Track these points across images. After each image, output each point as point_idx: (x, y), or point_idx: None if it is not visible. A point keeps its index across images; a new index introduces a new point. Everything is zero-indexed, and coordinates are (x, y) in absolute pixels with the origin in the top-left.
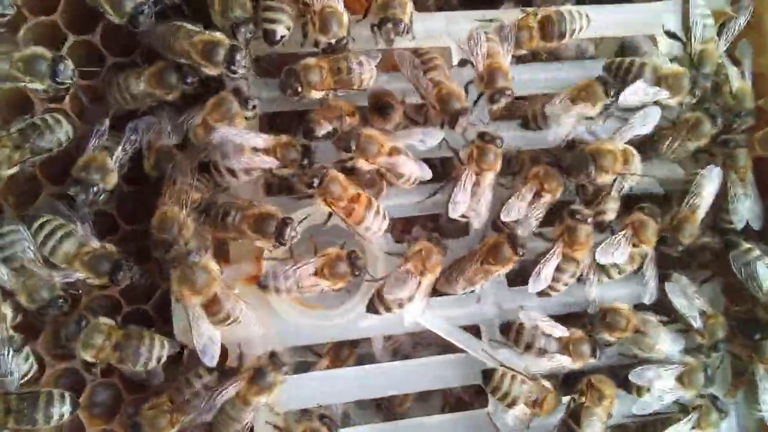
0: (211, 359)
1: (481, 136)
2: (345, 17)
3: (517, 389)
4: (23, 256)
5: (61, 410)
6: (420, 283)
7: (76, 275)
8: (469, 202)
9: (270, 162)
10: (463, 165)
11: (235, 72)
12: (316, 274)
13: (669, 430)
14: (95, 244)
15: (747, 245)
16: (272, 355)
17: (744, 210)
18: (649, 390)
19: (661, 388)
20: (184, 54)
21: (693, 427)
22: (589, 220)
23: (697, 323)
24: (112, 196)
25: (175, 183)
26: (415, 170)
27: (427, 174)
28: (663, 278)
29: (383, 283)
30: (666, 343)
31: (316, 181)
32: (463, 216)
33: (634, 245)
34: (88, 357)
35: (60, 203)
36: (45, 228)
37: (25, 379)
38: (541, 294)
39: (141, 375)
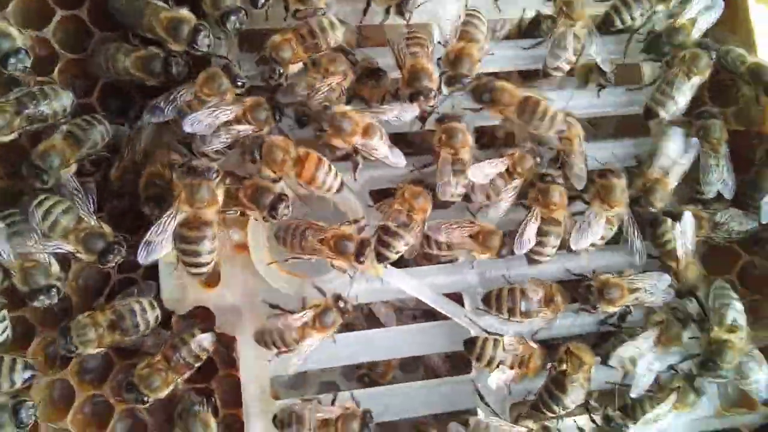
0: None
1: (440, 119)
2: None
3: (501, 353)
4: (30, 236)
5: (23, 376)
6: (412, 219)
7: (67, 248)
8: (457, 180)
9: (247, 128)
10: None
11: (197, 50)
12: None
13: (650, 413)
14: (92, 221)
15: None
16: (338, 298)
17: (714, 180)
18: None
19: (644, 363)
20: (151, 30)
21: (669, 409)
22: (559, 180)
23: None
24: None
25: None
26: (389, 155)
27: (401, 162)
28: None
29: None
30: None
31: (256, 153)
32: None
33: (606, 211)
34: (93, 350)
35: (69, 178)
36: (46, 203)
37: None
38: (532, 261)
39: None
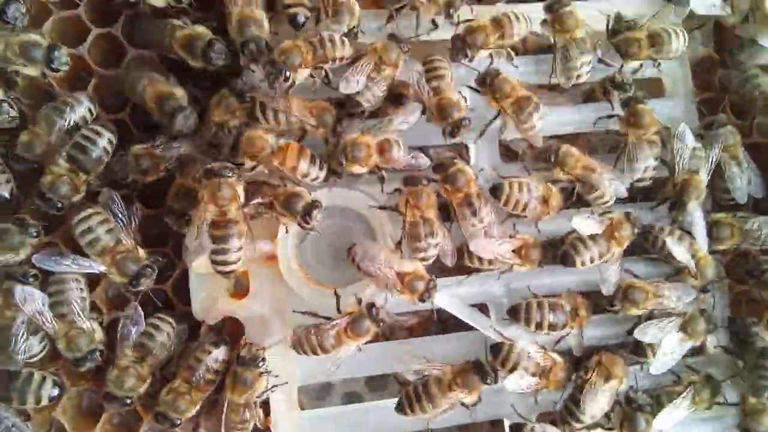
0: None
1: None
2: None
3: (525, 361)
4: (71, 307)
5: (50, 393)
6: (424, 219)
7: (100, 267)
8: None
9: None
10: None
11: (212, 64)
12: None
13: (663, 411)
14: (129, 243)
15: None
16: (371, 307)
17: (743, 185)
18: (657, 349)
19: (669, 343)
20: (171, 50)
21: (689, 404)
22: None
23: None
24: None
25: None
26: (410, 162)
27: (424, 163)
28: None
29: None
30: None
31: (232, 149)
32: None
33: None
34: (142, 390)
35: (114, 196)
36: (90, 219)
37: (33, 359)
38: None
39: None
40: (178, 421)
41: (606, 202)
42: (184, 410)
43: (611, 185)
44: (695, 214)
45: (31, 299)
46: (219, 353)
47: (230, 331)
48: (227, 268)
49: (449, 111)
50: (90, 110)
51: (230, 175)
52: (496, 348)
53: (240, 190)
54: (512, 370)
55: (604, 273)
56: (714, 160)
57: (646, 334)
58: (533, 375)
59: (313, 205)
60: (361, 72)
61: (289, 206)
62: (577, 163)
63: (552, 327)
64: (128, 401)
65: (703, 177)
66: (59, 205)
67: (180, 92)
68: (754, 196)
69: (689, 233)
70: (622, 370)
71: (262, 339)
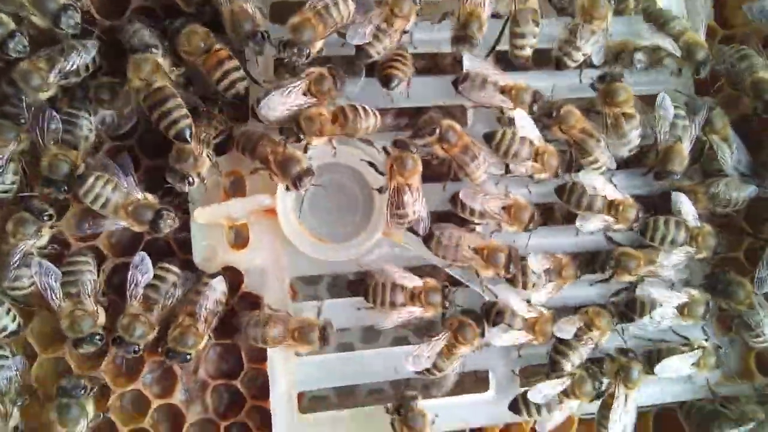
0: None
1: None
2: None
3: (510, 316)
4: (81, 288)
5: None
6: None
7: (121, 223)
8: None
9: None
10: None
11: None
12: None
13: (672, 357)
14: (139, 195)
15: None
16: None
17: (734, 163)
18: (650, 313)
19: (662, 312)
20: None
21: (693, 364)
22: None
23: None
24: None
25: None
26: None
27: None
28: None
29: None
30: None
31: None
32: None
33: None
34: (151, 337)
35: (106, 161)
36: (95, 185)
37: (17, 292)
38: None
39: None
40: (189, 356)
41: (599, 168)
42: (193, 344)
43: (606, 153)
44: (678, 199)
45: (46, 273)
46: (217, 282)
47: (230, 281)
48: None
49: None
50: (94, 59)
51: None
52: (486, 306)
53: (166, 65)
54: (495, 324)
55: None
56: (697, 127)
57: (645, 291)
58: (519, 329)
59: (307, 171)
60: (369, 23)
61: (284, 168)
62: (577, 124)
63: (534, 285)
64: (138, 348)
65: (686, 145)
66: (65, 187)
67: None
68: (742, 172)
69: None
70: (605, 324)
71: (261, 289)
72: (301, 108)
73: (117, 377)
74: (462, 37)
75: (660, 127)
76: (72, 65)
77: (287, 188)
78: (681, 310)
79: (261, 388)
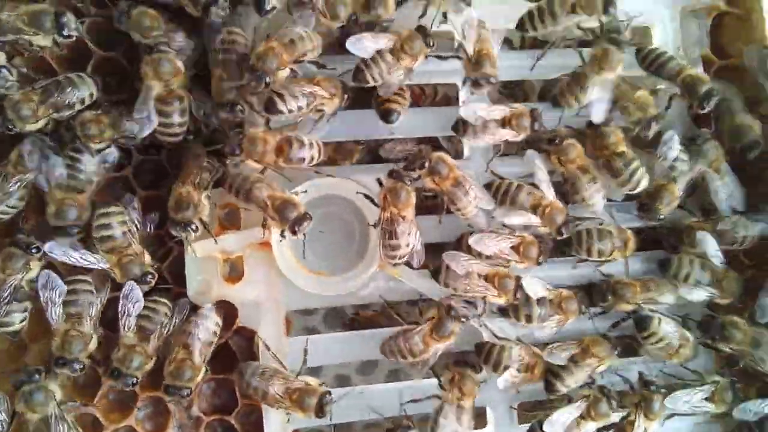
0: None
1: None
2: None
3: (508, 359)
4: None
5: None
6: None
7: (104, 265)
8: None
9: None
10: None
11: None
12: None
13: (683, 390)
14: (138, 248)
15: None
16: (449, 308)
17: (725, 197)
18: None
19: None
20: None
21: (706, 398)
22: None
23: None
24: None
25: (190, 166)
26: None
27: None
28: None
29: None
30: (671, 296)
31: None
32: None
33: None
34: (148, 368)
35: (133, 202)
36: (111, 217)
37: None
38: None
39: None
40: (188, 391)
41: (589, 207)
42: (190, 378)
43: (598, 195)
44: (705, 239)
45: (52, 287)
46: (209, 311)
47: (225, 315)
48: (173, 139)
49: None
50: (92, 94)
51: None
52: (479, 347)
53: (182, 66)
54: (495, 368)
55: None
56: (696, 174)
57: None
58: (518, 371)
59: (304, 217)
60: (376, 42)
61: (281, 213)
62: (577, 159)
63: (540, 320)
64: (135, 380)
65: (680, 187)
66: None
67: None
68: (735, 209)
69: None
70: (602, 351)
71: (255, 323)
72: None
73: (109, 413)
74: (476, 80)
75: (659, 163)
76: (66, 100)
77: (282, 234)
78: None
79: (255, 423)
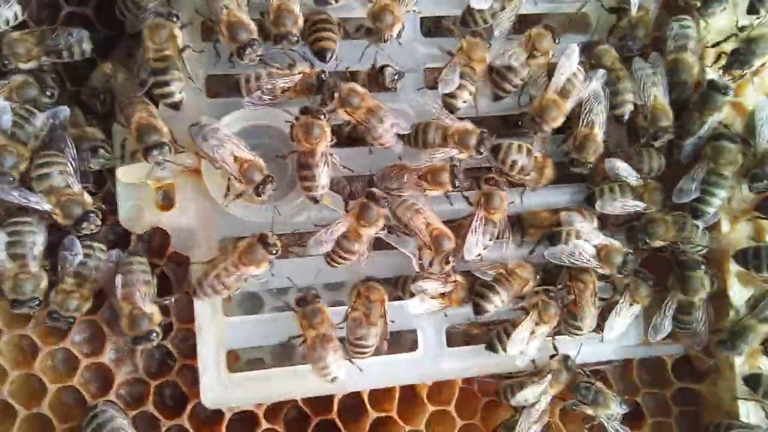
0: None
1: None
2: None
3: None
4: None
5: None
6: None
7: (45, 206)
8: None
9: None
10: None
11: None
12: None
13: (612, 312)
14: (77, 188)
15: None
16: (369, 194)
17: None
18: (567, 240)
19: (581, 246)
20: None
21: (630, 304)
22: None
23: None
24: None
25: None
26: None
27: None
28: None
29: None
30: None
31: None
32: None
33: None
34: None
35: (68, 140)
36: (50, 157)
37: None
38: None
39: None
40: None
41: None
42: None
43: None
44: (613, 164)
45: None
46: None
47: (158, 242)
48: (172, 100)
49: None
50: (16, 14)
51: (175, 20)
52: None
53: (179, 33)
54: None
55: None
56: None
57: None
58: (433, 298)
59: (267, 179)
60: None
61: (247, 175)
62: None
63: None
64: (72, 321)
65: (598, 132)
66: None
67: None
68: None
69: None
70: (526, 273)
71: (187, 249)
72: None
73: (46, 336)
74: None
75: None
76: (58, 45)
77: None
78: (599, 253)
79: (192, 347)
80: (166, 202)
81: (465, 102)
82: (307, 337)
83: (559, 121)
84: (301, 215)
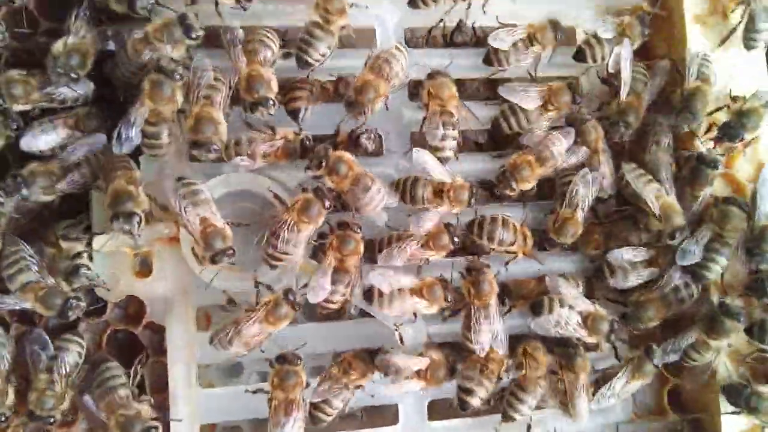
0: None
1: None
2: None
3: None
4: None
5: None
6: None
7: (25, 304)
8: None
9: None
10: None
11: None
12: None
13: (609, 384)
14: (50, 281)
15: None
16: (287, 292)
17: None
18: (551, 308)
19: (566, 315)
20: None
21: (627, 381)
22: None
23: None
24: None
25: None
26: None
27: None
28: None
29: None
30: None
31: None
32: None
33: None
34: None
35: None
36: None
37: None
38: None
39: None
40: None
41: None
42: (52, 407)
43: None
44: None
45: None
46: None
47: (135, 310)
48: (159, 152)
49: None
50: (87, 97)
51: (178, 78)
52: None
53: (180, 95)
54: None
55: None
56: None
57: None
58: (410, 378)
59: (227, 251)
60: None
61: (207, 240)
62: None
63: None
64: (52, 420)
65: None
66: None
67: None
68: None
69: None
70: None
71: (163, 318)
72: None
73: None
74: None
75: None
76: (60, 95)
77: (201, 261)
78: (585, 321)
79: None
80: (145, 267)
81: (452, 149)
82: (274, 397)
83: (531, 183)
84: (281, 281)
